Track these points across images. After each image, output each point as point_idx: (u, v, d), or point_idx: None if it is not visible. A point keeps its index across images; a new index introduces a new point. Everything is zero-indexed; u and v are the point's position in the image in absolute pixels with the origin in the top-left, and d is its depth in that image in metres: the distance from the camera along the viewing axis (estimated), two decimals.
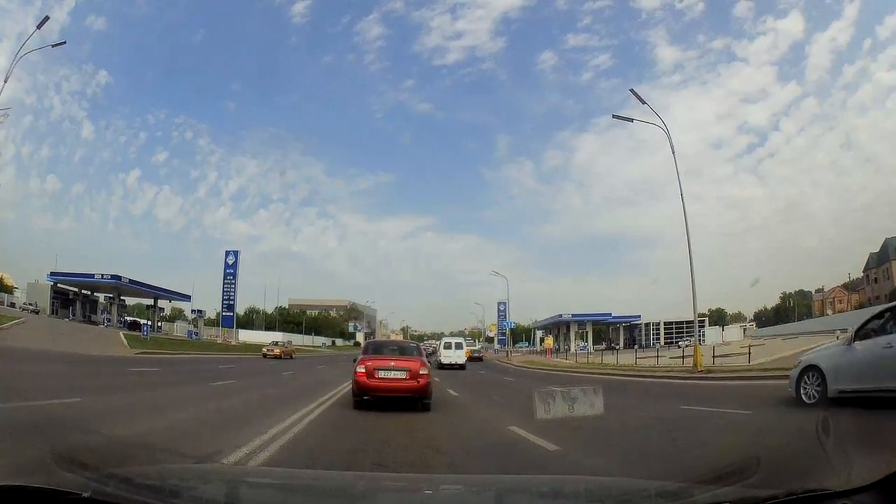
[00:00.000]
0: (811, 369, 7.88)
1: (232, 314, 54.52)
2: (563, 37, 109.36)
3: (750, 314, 78.15)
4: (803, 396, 7.85)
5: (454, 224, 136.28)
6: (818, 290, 75.39)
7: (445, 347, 29.99)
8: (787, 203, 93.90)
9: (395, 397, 8.46)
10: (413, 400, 8.58)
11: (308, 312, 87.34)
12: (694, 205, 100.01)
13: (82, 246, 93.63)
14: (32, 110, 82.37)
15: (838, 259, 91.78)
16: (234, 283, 53.55)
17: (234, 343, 50.52)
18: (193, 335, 50.16)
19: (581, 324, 63.03)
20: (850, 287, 68.75)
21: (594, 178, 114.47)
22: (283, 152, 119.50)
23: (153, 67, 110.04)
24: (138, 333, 36.52)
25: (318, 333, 79.54)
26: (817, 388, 7.62)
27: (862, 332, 7.41)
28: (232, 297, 53.66)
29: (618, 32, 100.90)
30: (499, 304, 73.30)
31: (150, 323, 45.09)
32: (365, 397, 8.65)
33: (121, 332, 34.34)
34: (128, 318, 50.08)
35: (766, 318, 76.30)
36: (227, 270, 53.99)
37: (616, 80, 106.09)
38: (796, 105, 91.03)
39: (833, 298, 70.16)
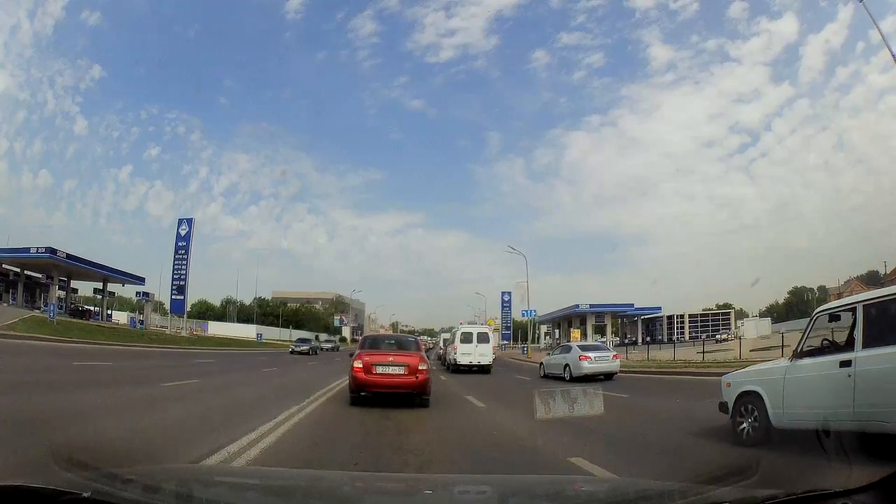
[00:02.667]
0: (542, 365, 18.72)
1: (183, 297, 43.22)
2: (557, 35, 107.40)
3: (750, 311, 73.97)
4: (543, 374, 18.02)
5: (444, 221, 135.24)
6: (820, 287, 74.36)
7: (463, 340, 20.14)
8: (779, 203, 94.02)
9: (393, 393, 8.38)
10: (411, 396, 8.50)
11: (289, 305, 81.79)
12: (684, 204, 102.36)
13: (74, 240, 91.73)
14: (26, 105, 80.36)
15: (830, 259, 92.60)
16: (187, 259, 42.87)
17: (184, 334, 42.14)
18: (137, 323, 42.50)
19: (599, 316, 55.76)
20: (867, 280, 66.56)
21: (585, 176, 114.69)
22: (274, 147, 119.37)
23: (147, 62, 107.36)
24: (78, 320, 33.24)
25: (299, 327, 73.08)
26: (541, 372, 18.24)
27: (553, 351, 20.87)
28: (183, 277, 42.73)
29: (611, 32, 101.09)
30: (502, 293, 64.68)
31: (58, 303, 37.49)
32: (362, 393, 8.55)
33: (33, 314, 28.79)
34: (80, 305, 44.79)
35: (777, 314, 72.75)
36: (179, 243, 42.81)
37: (608, 79, 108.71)
38: (789, 106, 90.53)
39: (851, 292, 68.99)
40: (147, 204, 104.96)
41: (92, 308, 45.79)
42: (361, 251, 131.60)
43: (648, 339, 52.89)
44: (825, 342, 5.24)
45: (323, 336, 59.26)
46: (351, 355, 9.19)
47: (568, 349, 17.64)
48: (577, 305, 55.09)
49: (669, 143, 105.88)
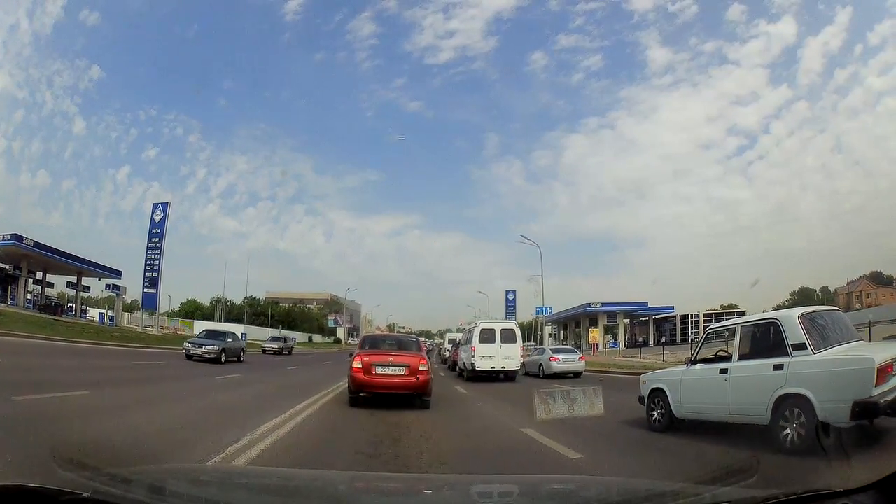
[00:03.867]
0: (523, 364, 18.37)
1: (156, 291, 37.85)
2: (555, 37, 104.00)
3: (754, 312, 75.20)
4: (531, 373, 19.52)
5: (441, 222, 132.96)
6: (823, 288, 75.84)
7: (483, 340, 15.89)
8: (777, 205, 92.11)
9: (394, 394, 8.27)
10: (412, 397, 8.37)
11: (282, 305, 78.87)
12: (682, 206, 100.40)
13: (71, 241, 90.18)
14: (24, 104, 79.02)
15: (828, 261, 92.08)
16: (161, 248, 37.79)
17: (156, 332, 36.65)
18: (107, 319, 38.44)
19: (612, 315, 52.95)
20: (877, 280, 68.55)
21: (582, 178, 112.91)
22: (272, 149, 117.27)
23: (146, 63, 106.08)
24: (46, 315, 30.36)
25: (291, 328, 70.26)
26: (521, 370, 18.10)
27: (530, 353, 21.16)
28: (156, 268, 37.44)
29: (609, 34, 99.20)
30: (507, 292, 59.66)
31: (29, 297, 36.13)
32: (361, 394, 8.40)
33: None
34: (54, 300, 41.72)
35: None
36: (153, 230, 38.14)
37: (607, 82, 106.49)
38: (787, 108, 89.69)
39: (860, 292, 69.51)
40: (145, 205, 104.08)
41: (70, 304, 42.99)
42: (359, 252, 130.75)
43: (660, 340, 50.53)
44: (719, 352, 6.53)
45: (275, 332, 47.99)
46: (351, 355, 9.04)
47: (542, 351, 20.93)
48: (589, 304, 52.24)
49: (667, 145, 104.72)
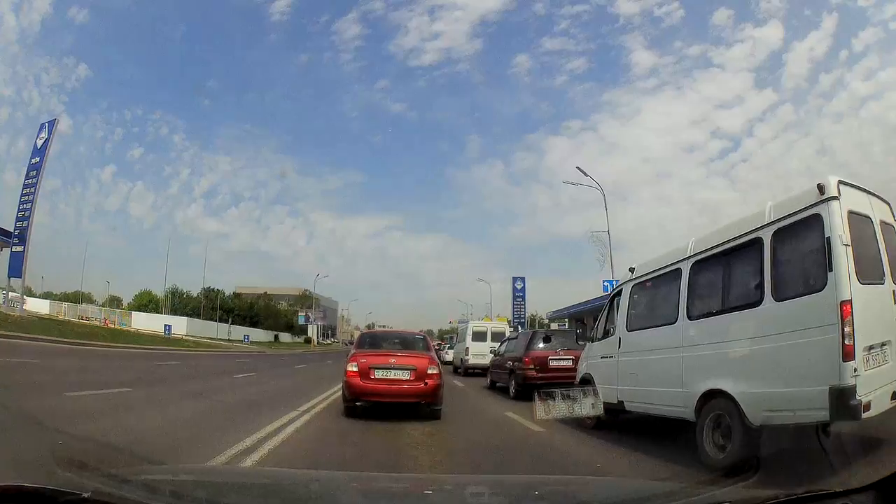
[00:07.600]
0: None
1: (23, 248, 24.84)
2: (540, 40, 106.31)
3: None
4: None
5: (422, 224, 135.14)
6: None
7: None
8: (760, 208, 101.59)
9: (397, 403, 7.21)
10: (418, 406, 7.28)
11: (244, 297, 72.76)
12: (664, 208, 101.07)
13: (61, 241, 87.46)
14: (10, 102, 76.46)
15: None
16: (37, 186, 25.78)
17: (18, 313, 24.40)
18: None
19: None
20: None
21: (563, 180, 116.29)
22: (255, 150, 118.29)
23: (134, 62, 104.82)
24: None
25: (254, 324, 64.48)
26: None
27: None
28: (28, 210, 25.27)
29: (594, 37, 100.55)
30: (514, 279, 50.15)
31: None
32: (358, 403, 7.37)
33: None
34: None
35: None
36: (33, 159, 26.42)
37: (590, 85, 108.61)
38: (772, 111, 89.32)
39: None
40: (130, 205, 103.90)
41: None
42: (340, 253, 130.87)
43: None
44: None
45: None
46: (349, 353, 8.04)
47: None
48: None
49: (650, 147, 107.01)
